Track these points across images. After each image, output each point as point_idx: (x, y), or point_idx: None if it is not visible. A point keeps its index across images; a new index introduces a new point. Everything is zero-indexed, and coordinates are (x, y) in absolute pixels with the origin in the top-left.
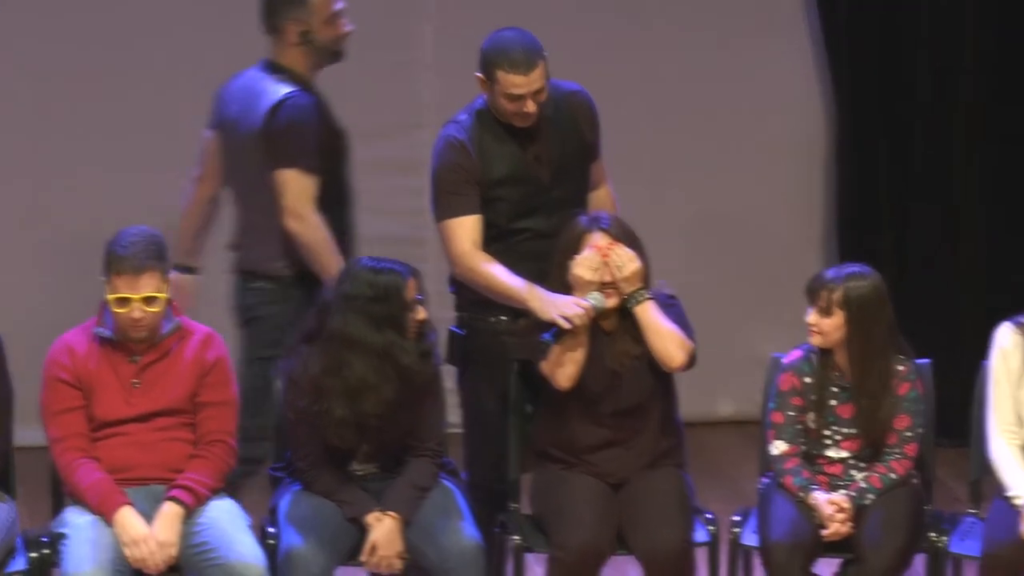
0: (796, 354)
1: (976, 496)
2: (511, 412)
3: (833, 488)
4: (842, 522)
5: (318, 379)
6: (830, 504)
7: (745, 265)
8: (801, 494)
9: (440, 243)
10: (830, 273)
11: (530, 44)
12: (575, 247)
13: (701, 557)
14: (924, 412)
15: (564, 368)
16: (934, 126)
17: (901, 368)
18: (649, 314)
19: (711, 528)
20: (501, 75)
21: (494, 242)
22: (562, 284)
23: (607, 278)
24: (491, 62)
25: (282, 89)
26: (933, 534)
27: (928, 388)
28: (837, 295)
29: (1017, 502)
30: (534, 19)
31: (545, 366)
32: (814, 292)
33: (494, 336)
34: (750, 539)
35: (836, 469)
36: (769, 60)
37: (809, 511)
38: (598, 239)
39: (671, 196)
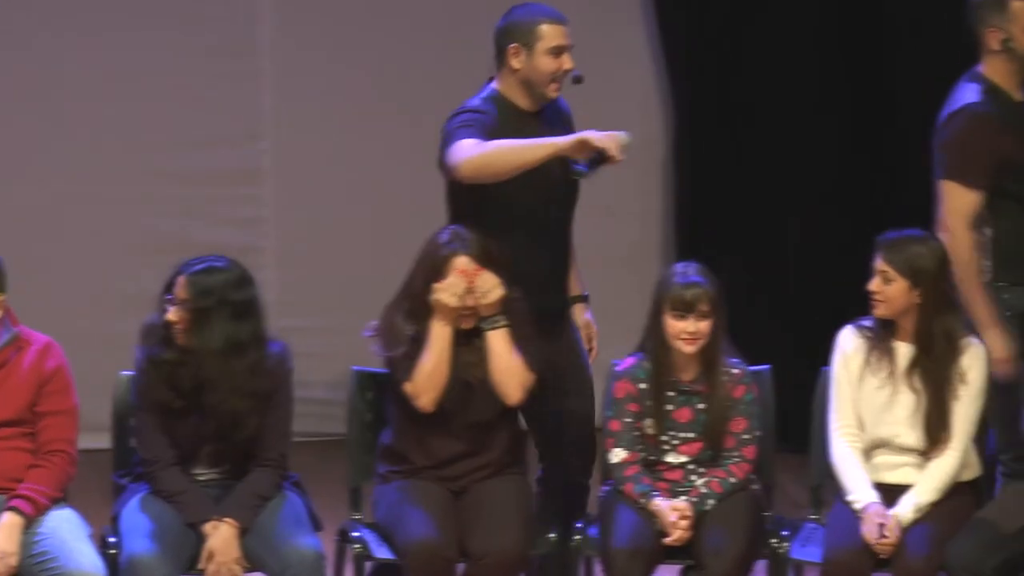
0: (630, 361)
1: (817, 502)
2: (350, 421)
3: (674, 494)
4: (684, 528)
5: (165, 379)
6: (672, 510)
7: (585, 270)
8: (642, 501)
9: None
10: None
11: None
12: (438, 270)
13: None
14: (761, 415)
15: (428, 393)
16: (774, 130)
17: (735, 371)
18: (500, 343)
19: (551, 537)
20: (545, 28)
21: (511, 231)
22: (423, 304)
23: (471, 303)
24: (529, 23)
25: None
26: (774, 540)
27: (768, 394)
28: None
29: (857, 505)
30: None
31: (409, 387)
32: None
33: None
34: (592, 547)
35: (676, 475)
36: (606, 63)
37: (651, 518)
38: (463, 264)
39: None
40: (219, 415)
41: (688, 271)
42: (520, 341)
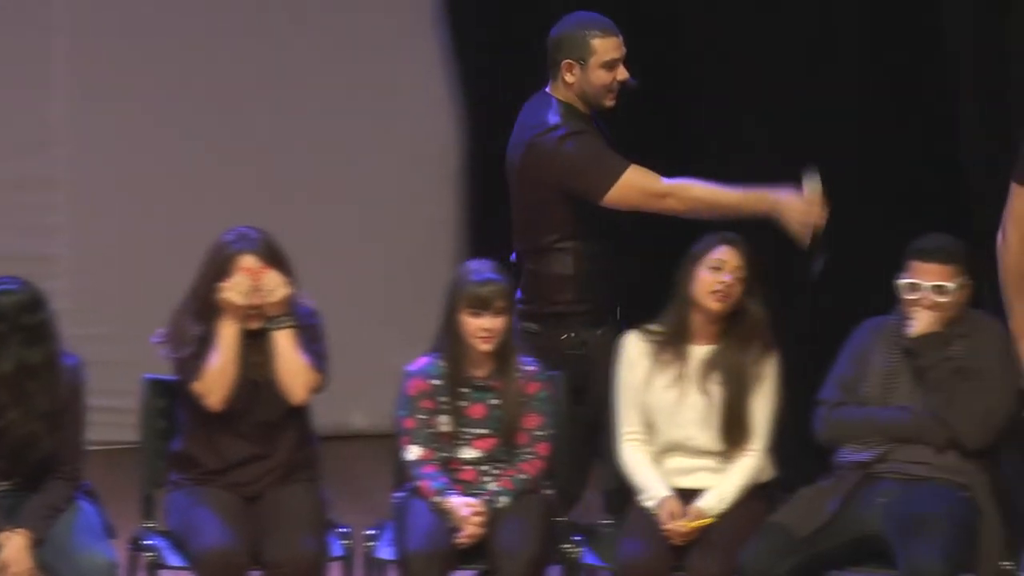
0: (423, 360)
1: (610, 506)
2: (142, 429)
3: (468, 494)
4: (476, 525)
5: None
6: (466, 506)
7: (378, 277)
8: (438, 498)
9: (66, 263)
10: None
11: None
12: (224, 269)
13: (335, 572)
14: (555, 414)
15: (217, 391)
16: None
17: (529, 368)
18: (286, 343)
19: (346, 542)
20: (598, 43)
21: (592, 239)
22: (210, 304)
23: (256, 302)
24: (582, 36)
25: None
26: (567, 545)
27: (562, 398)
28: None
29: (651, 502)
30: (164, 30)
31: (198, 386)
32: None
33: (563, 353)
34: (385, 552)
35: (469, 475)
36: (399, 70)
37: (446, 517)
38: (248, 262)
39: (306, 206)
40: (12, 437)
41: (482, 269)
42: (310, 343)
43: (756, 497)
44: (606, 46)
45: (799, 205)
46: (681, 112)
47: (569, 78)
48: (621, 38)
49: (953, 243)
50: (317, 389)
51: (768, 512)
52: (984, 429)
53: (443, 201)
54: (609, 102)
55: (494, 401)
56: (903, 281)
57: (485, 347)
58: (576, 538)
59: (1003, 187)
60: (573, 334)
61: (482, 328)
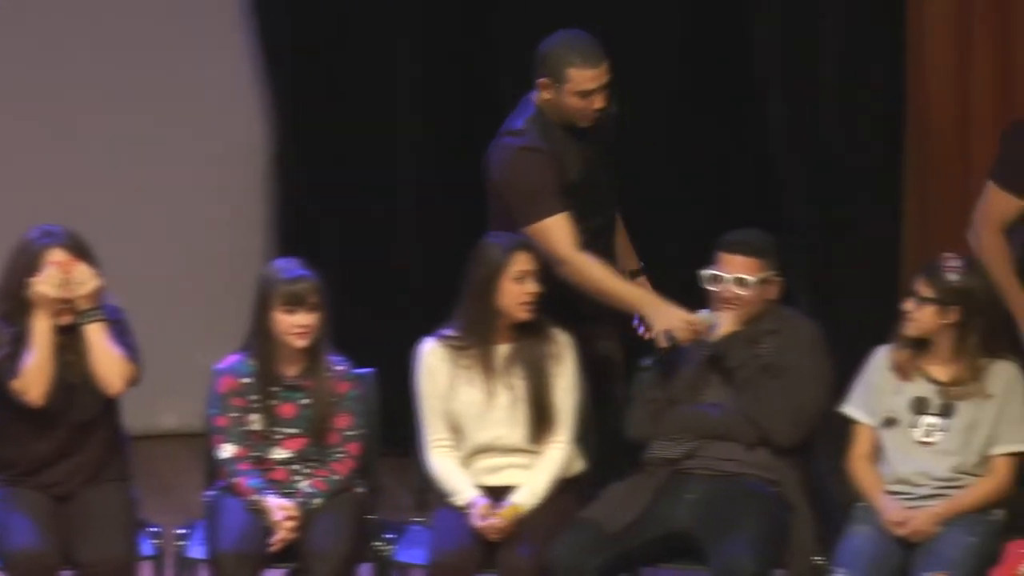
0: (233, 358)
1: (422, 504)
2: None
3: (280, 494)
4: (289, 529)
5: None
6: (280, 509)
7: (186, 277)
8: (255, 496)
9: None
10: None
11: (592, 40)
12: (33, 265)
13: (147, 572)
14: (365, 418)
15: (37, 387)
16: (378, 135)
17: (339, 368)
18: (98, 336)
19: (157, 542)
20: (573, 72)
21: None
22: (22, 302)
23: (68, 295)
24: (560, 61)
25: None
26: (379, 543)
27: (372, 397)
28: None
29: (461, 502)
30: None
31: (17, 384)
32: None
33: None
34: (196, 552)
35: (281, 474)
36: (206, 69)
37: (260, 516)
38: (57, 256)
39: (111, 205)
40: None
41: (291, 266)
42: (120, 337)
43: (566, 492)
44: (582, 77)
45: (673, 314)
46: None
47: (545, 95)
48: (603, 67)
49: (760, 237)
50: (133, 381)
51: (578, 507)
52: (795, 426)
53: (251, 199)
54: (583, 123)
55: (305, 401)
56: (706, 272)
57: (301, 343)
58: (388, 536)
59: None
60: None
61: (297, 324)
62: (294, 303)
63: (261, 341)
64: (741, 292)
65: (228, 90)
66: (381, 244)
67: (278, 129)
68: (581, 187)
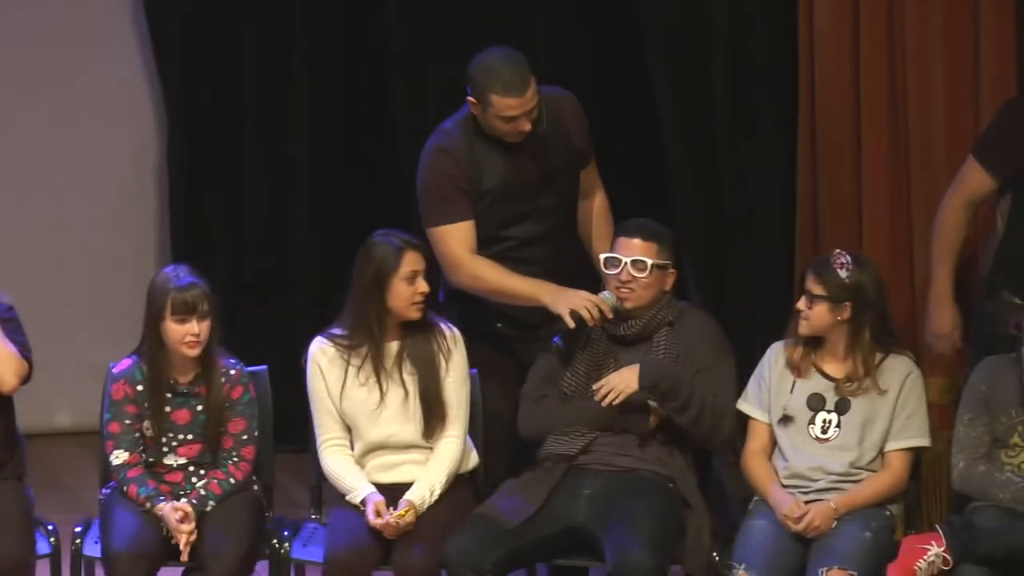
0: (126, 363)
1: (317, 501)
2: None
3: (176, 497)
4: (189, 532)
5: None
6: (175, 511)
7: (80, 275)
8: (147, 504)
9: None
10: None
11: (520, 63)
12: None
13: (43, 569)
14: (259, 416)
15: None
16: (271, 135)
17: (233, 372)
18: None
19: (52, 540)
20: (495, 99)
21: (483, 249)
22: None
23: None
24: (483, 86)
25: None
26: (275, 540)
27: (265, 394)
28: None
29: (357, 499)
30: None
31: None
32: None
33: (496, 343)
34: (92, 549)
35: (177, 477)
36: (97, 68)
37: (156, 521)
38: None
39: (1, 203)
40: None
41: (181, 273)
42: (13, 335)
43: (461, 487)
44: (503, 105)
45: (575, 296)
46: None
47: (474, 111)
48: (527, 94)
49: (658, 226)
50: (25, 379)
51: (474, 502)
52: (729, 430)
53: (145, 198)
54: (509, 139)
55: (199, 407)
56: (605, 255)
57: (193, 352)
58: (284, 533)
59: (701, 175)
60: (499, 324)
61: (189, 333)
62: (186, 312)
63: (153, 349)
64: (638, 275)
65: (120, 86)
66: (275, 239)
67: (170, 125)
68: (502, 195)
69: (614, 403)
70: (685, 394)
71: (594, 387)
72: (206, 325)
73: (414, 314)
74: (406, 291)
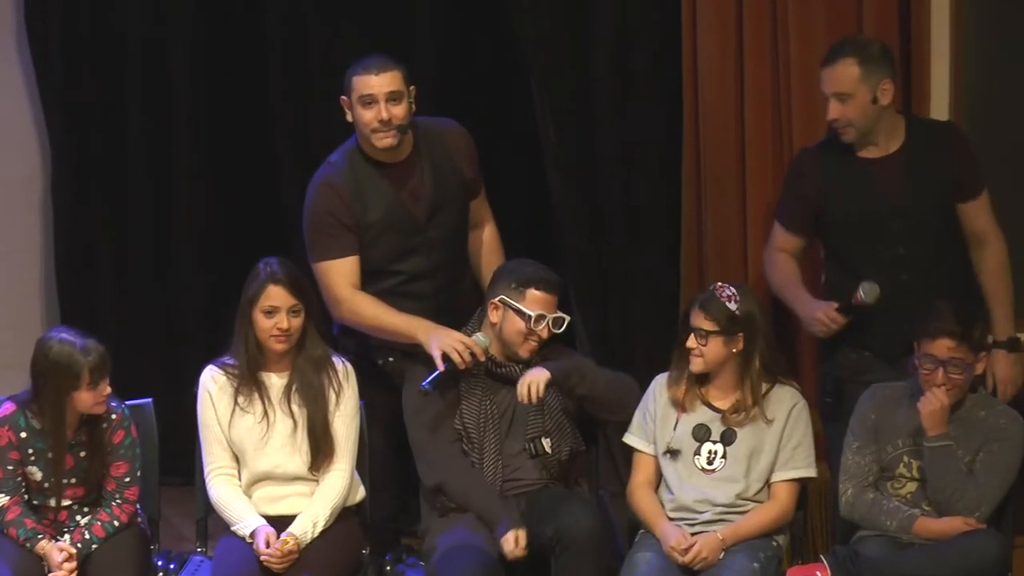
0: (8, 408)
1: (203, 534)
2: None
3: (60, 533)
4: (70, 571)
5: None
6: (59, 551)
7: None
8: (28, 545)
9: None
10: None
11: (385, 55)
12: None
13: None
14: (144, 449)
15: None
16: (153, 167)
17: (114, 416)
18: None
19: None
20: (355, 80)
21: (372, 284)
22: None
23: None
24: (348, 74)
25: None
26: (161, 574)
27: (150, 427)
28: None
29: (245, 531)
30: None
31: None
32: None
33: (381, 379)
34: None
35: (62, 515)
36: None
37: (38, 560)
38: None
39: None
40: None
41: (78, 340)
42: None
43: (347, 520)
44: (362, 83)
45: (448, 337)
46: None
47: (348, 117)
48: (387, 74)
49: (553, 273)
50: None
51: (360, 536)
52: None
53: (30, 228)
54: (379, 142)
55: (83, 453)
56: (532, 313)
57: (100, 411)
58: (170, 567)
59: (586, 211)
60: (391, 359)
61: (100, 396)
62: (100, 379)
63: (52, 412)
64: (557, 331)
65: (5, 121)
66: (161, 271)
67: (54, 160)
68: (387, 226)
69: (535, 397)
70: (590, 372)
71: (517, 390)
72: (107, 384)
73: (275, 346)
74: (265, 324)
